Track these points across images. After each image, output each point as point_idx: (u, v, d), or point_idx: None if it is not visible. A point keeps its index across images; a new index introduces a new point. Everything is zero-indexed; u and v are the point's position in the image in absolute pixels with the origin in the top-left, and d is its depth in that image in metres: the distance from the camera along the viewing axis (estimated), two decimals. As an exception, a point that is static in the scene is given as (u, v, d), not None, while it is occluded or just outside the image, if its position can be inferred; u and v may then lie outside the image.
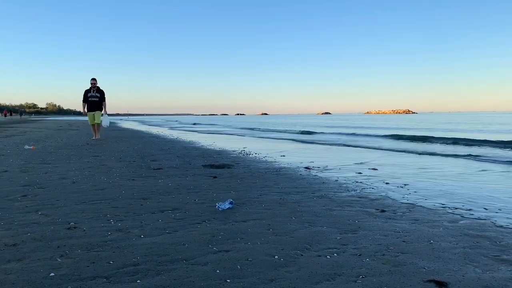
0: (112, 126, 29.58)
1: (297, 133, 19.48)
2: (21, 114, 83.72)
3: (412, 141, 12.82)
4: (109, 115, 12.20)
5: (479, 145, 10.62)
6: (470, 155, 8.26)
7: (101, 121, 11.72)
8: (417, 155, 8.51)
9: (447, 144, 11.50)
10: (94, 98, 11.35)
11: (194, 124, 40.11)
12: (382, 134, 16.23)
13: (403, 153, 9.08)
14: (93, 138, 11.76)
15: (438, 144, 11.64)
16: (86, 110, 11.41)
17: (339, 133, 18.29)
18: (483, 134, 16.08)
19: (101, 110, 11.52)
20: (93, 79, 11.31)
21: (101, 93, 11.47)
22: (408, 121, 41.90)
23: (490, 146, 10.47)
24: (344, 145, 11.62)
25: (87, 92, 11.32)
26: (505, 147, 9.85)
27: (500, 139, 11.31)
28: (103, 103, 11.54)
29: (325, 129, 22.92)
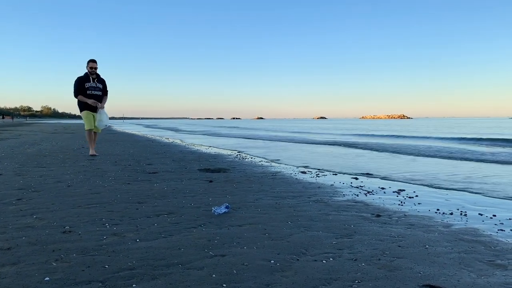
0: (109, 129, 29.47)
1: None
2: (12, 117, 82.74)
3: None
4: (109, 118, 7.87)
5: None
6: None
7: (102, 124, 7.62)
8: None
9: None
10: (97, 92, 7.39)
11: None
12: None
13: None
14: (91, 153, 7.71)
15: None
16: (85, 105, 7.39)
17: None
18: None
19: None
20: (93, 61, 7.30)
21: (104, 84, 7.64)
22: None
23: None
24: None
25: (83, 81, 7.30)
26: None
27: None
28: (105, 97, 7.66)
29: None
